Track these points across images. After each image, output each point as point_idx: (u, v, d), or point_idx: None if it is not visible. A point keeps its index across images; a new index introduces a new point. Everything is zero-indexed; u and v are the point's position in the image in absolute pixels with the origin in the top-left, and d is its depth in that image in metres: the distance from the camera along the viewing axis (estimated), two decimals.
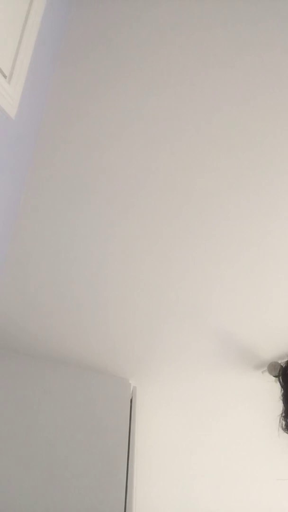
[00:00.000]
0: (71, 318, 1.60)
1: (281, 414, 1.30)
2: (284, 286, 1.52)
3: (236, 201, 1.34)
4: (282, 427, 1.29)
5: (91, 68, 1.22)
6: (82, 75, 1.23)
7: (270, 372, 1.67)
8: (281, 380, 1.45)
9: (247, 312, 1.60)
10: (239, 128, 1.24)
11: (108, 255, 1.45)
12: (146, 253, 1.45)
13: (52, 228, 1.41)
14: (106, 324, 1.63)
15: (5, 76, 0.93)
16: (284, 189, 1.31)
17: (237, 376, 1.84)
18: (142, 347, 1.71)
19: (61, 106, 1.25)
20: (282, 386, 1.36)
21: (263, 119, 1.23)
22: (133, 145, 1.28)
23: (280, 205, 1.34)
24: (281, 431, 1.32)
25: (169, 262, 1.47)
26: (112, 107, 1.25)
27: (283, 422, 1.29)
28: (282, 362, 1.67)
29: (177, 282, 1.51)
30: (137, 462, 1.51)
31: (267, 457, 1.84)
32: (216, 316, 1.60)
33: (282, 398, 1.36)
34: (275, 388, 1.67)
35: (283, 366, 1.62)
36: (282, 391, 1.36)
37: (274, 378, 1.69)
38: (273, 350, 1.72)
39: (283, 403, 1.33)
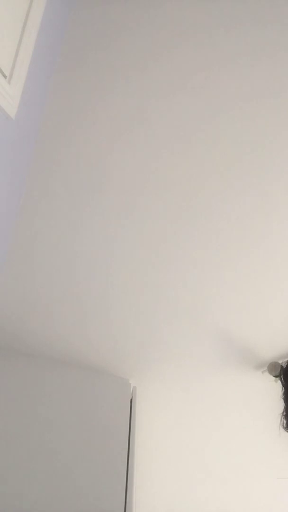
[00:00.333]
0: (71, 318, 1.60)
1: (282, 413, 1.30)
2: (284, 286, 1.52)
3: (237, 201, 1.34)
4: (283, 425, 1.30)
5: (91, 68, 1.22)
6: (82, 75, 1.23)
7: (270, 372, 1.67)
8: (282, 379, 1.45)
9: (247, 312, 1.60)
10: (240, 129, 1.24)
11: (108, 255, 1.45)
12: (146, 253, 1.45)
13: (52, 228, 1.41)
14: (107, 324, 1.63)
15: (5, 76, 0.93)
16: (286, 188, 1.31)
17: (237, 376, 1.84)
18: (142, 347, 1.71)
19: (61, 106, 1.25)
20: (283, 385, 1.36)
21: (264, 119, 1.23)
22: (133, 145, 1.28)
23: (282, 205, 1.34)
24: (282, 430, 1.32)
25: (169, 262, 1.47)
26: (112, 107, 1.25)
27: (284, 421, 1.29)
28: (282, 362, 1.67)
29: (178, 282, 1.51)
30: (137, 462, 1.51)
31: (267, 457, 1.84)
32: (216, 316, 1.60)
33: (283, 397, 1.36)
34: (275, 388, 1.67)
35: (283, 366, 1.62)
36: (283, 390, 1.36)
37: (274, 378, 1.69)
38: (273, 350, 1.72)
39: (284, 402, 1.34)
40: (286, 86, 1.20)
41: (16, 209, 1.35)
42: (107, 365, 1.73)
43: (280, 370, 1.61)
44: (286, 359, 1.68)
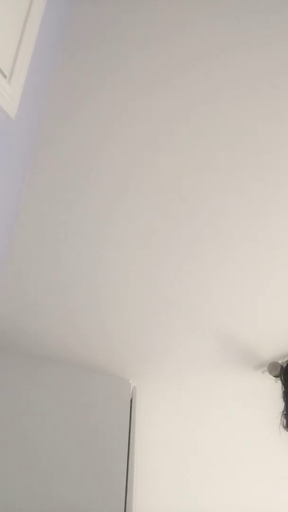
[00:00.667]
0: (71, 318, 1.60)
1: (282, 412, 1.31)
2: (285, 286, 1.52)
3: (236, 199, 1.34)
4: (283, 425, 1.30)
5: (91, 68, 1.22)
6: (82, 75, 1.23)
7: (270, 372, 1.67)
8: (282, 379, 1.45)
9: (247, 312, 1.60)
10: (239, 125, 1.24)
11: (108, 255, 1.45)
12: (146, 253, 1.45)
13: (52, 228, 1.41)
14: (106, 324, 1.63)
15: (5, 76, 0.93)
16: (286, 186, 1.31)
17: (237, 376, 1.84)
18: (142, 347, 1.71)
19: (61, 106, 1.25)
20: (283, 384, 1.36)
21: (264, 116, 1.23)
22: (133, 145, 1.28)
23: (282, 202, 1.34)
24: (282, 429, 1.32)
25: (169, 262, 1.47)
26: (112, 107, 1.25)
27: (284, 420, 1.29)
28: (282, 362, 1.67)
29: (177, 282, 1.51)
30: (137, 462, 1.51)
31: (268, 456, 1.84)
32: (216, 316, 1.60)
33: (283, 396, 1.36)
34: (275, 388, 1.67)
35: (283, 366, 1.62)
36: (283, 389, 1.36)
37: (274, 378, 1.69)
38: (273, 350, 1.72)
39: (284, 401, 1.34)
40: (285, 78, 1.20)
41: (16, 210, 1.35)
42: (107, 365, 1.73)
43: (280, 370, 1.61)
44: (286, 359, 1.68)
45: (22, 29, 0.96)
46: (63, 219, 1.39)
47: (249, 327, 1.64)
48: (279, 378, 1.63)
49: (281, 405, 1.47)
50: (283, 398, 1.36)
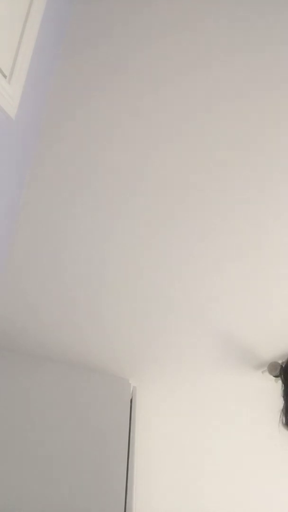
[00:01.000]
0: (71, 318, 1.60)
1: (282, 410, 1.30)
2: (285, 286, 1.52)
3: (237, 199, 1.34)
4: (282, 422, 1.30)
5: (91, 68, 1.22)
6: (82, 75, 1.23)
7: (270, 372, 1.67)
8: (283, 378, 1.45)
9: (247, 312, 1.60)
10: (240, 125, 1.25)
11: (108, 255, 1.45)
12: (146, 252, 1.45)
13: (52, 228, 1.41)
14: (106, 324, 1.63)
15: (5, 76, 0.93)
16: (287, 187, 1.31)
17: (237, 376, 1.84)
18: (142, 347, 1.71)
19: (61, 106, 1.25)
20: (283, 383, 1.36)
21: (265, 115, 1.23)
22: (134, 144, 1.28)
23: (283, 203, 1.34)
24: (281, 427, 1.32)
25: (169, 261, 1.47)
26: (112, 107, 1.25)
27: (284, 418, 1.29)
28: (282, 362, 1.67)
29: (178, 282, 1.51)
30: (137, 462, 1.51)
31: (268, 456, 1.84)
32: (216, 316, 1.60)
33: (283, 395, 1.36)
34: (275, 388, 1.67)
35: (283, 365, 1.62)
36: (283, 388, 1.36)
37: (274, 378, 1.69)
38: (273, 350, 1.72)
39: (284, 400, 1.34)
40: (285, 77, 1.20)
41: (16, 209, 1.35)
42: (107, 365, 1.72)
43: (280, 370, 1.61)
44: (286, 359, 1.68)
45: (22, 29, 0.96)
46: (63, 219, 1.39)
47: (249, 327, 1.64)
48: (279, 378, 1.63)
49: (281, 404, 1.47)
50: (283, 397, 1.36)
